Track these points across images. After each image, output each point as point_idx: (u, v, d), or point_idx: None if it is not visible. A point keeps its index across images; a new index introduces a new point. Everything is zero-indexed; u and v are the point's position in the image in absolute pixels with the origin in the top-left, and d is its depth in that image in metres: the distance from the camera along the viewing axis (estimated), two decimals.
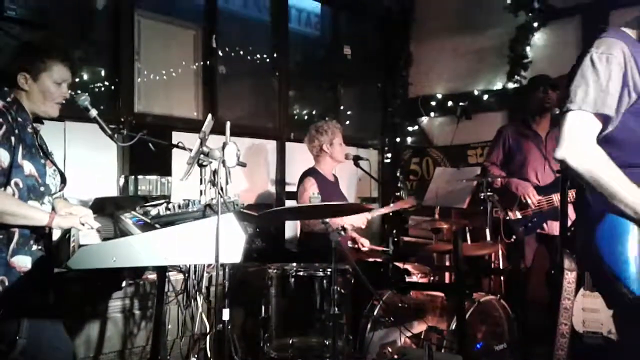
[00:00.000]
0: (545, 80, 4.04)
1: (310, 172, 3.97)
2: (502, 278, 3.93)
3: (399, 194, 5.69)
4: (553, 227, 3.90)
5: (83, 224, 2.15)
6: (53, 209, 2.30)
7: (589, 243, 1.69)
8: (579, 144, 1.68)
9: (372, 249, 4.01)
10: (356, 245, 3.99)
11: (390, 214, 4.25)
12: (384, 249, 3.67)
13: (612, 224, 1.66)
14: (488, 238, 3.75)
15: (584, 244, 1.79)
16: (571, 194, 3.46)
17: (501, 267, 3.84)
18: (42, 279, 2.21)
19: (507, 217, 3.85)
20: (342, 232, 3.76)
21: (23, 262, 2.12)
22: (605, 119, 1.71)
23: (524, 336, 3.26)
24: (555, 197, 3.83)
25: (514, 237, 3.84)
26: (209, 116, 2.38)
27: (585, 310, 3.12)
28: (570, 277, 3.15)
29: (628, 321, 1.75)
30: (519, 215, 3.89)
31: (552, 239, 3.91)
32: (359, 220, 3.84)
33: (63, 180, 2.38)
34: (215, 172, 2.18)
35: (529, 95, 4.08)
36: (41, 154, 2.25)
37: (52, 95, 2.28)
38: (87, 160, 3.70)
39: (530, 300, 3.96)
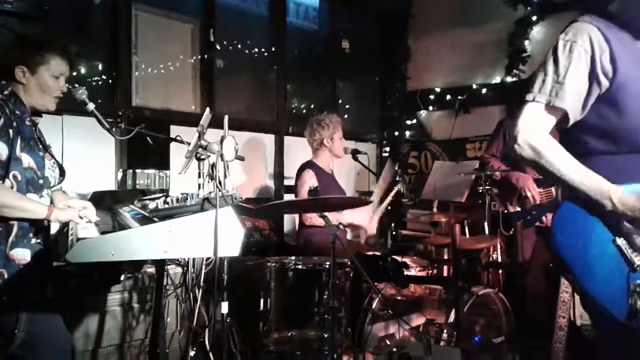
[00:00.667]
0: None
1: (309, 165, 3.96)
2: (500, 271, 3.94)
3: (396, 187, 5.71)
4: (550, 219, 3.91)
5: (82, 217, 2.15)
6: (52, 201, 2.29)
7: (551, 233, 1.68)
8: (528, 135, 1.66)
9: (371, 236, 3.98)
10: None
11: (389, 207, 4.25)
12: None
13: (565, 212, 1.67)
14: (486, 231, 3.76)
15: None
16: None
17: (499, 260, 3.85)
18: (40, 272, 2.21)
19: (506, 210, 3.86)
20: (341, 226, 3.77)
21: (22, 255, 2.12)
22: (560, 112, 1.68)
23: (522, 329, 3.26)
24: (555, 190, 3.83)
25: (512, 229, 3.85)
26: (207, 110, 2.38)
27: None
28: None
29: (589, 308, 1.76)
30: (518, 207, 3.90)
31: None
32: (362, 220, 3.84)
33: (62, 173, 2.38)
34: (213, 166, 2.18)
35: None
36: (40, 146, 2.25)
37: (50, 89, 2.27)
38: (85, 154, 3.70)
39: (529, 293, 3.97)
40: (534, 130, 1.67)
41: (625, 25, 1.68)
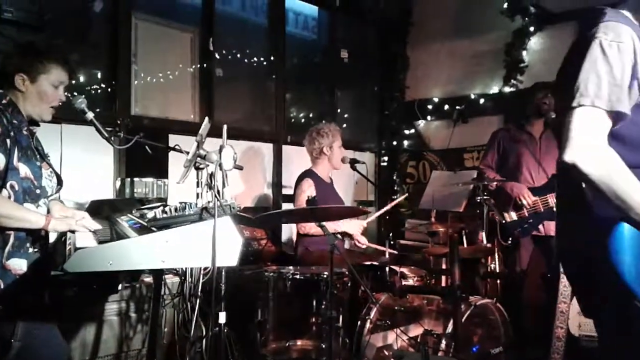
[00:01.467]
0: (546, 85, 4.08)
1: (308, 174, 3.97)
2: (498, 281, 3.94)
3: (395, 197, 5.71)
4: (549, 228, 3.93)
5: (79, 227, 2.15)
6: (49, 211, 2.29)
7: (596, 256, 1.50)
8: (592, 145, 1.44)
9: (369, 247, 4.00)
10: (354, 242, 3.97)
11: (387, 216, 4.26)
12: (384, 249, 3.65)
13: (629, 236, 1.45)
14: (484, 241, 3.76)
15: (585, 255, 1.61)
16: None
17: (497, 270, 3.85)
18: (37, 282, 2.20)
19: (504, 220, 3.86)
20: (339, 236, 3.77)
21: (18, 265, 2.11)
22: (617, 117, 1.48)
23: (520, 340, 3.26)
24: (551, 198, 3.86)
25: (510, 239, 3.85)
26: (206, 119, 2.38)
27: (582, 314, 3.13)
28: (566, 280, 3.16)
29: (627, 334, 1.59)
30: (514, 217, 3.92)
31: (548, 240, 3.95)
32: (355, 228, 3.84)
33: (59, 182, 2.37)
34: (212, 175, 2.18)
35: (528, 99, 4.13)
36: (37, 156, 2.24)
37: (49, 98, 2.27)
38: (84, 163, 3.70)
39: (526, 303, 3.97)
40: (597, 139, 1.45)
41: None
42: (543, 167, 4.01)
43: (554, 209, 3.78)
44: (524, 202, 3.89)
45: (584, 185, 1.54)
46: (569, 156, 1.45)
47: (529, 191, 3.92)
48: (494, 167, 4.15)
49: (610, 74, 1.47)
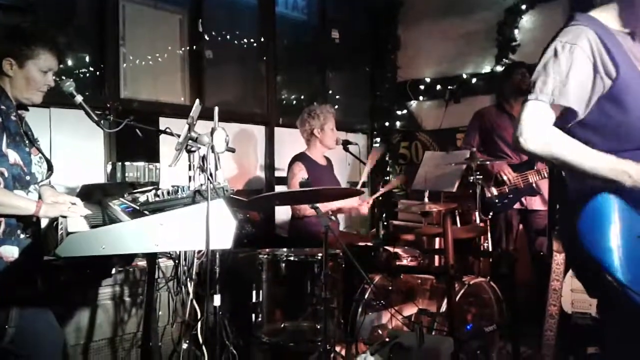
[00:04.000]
0: (521, 64, 4.16)
1: (299, 157, 3.95)
2: (491, 260, 3.97)
3: (387, 178, 5.71)
4: (532, 202, 4.09)
5: (71, 212, 2.13)
6: (40, 197, 2.26)
7: (571, 230, 1.66)
8: (533, 129, 1.66)
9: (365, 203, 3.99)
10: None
11: (380, 197, 4.27)
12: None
13: (593, 211, 1.63)
14: (477, 221, 3.78)
15: (566, 230, 1.77)
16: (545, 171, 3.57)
17: (490, 249, 3.88)
18: (30, 268, 2.19)
19: (487, 195, 3.96)
20: (333, 217, 3.77)
21: (10, 252, 2.10)
22: (564, 110, 1.69)
23: (513, 317, 3.29)
24: (530, 175, 3.99)
25: (491, 214, 3.94)
26: (197, 101, 2.35)
27: (574, 291, 3.16)
28: (559, 258, 3.19)
29: (612, 309, 1.73)
30: (495, 192, 4.00)
31: (532, 213, 4.09)
32: (352, 204, 3.86)
33: (50, 168, 2.35)
34: (204, 158, 2.16)
35: (506, 80, 4.18)
36: (26, 141, 2.22)
37: (37, 84, 2.23)
38: (73, 147, 3.66)
39: (518, 281, 4.02)
40: (540, 123, 1.67)
41: (616, 24, 1.73)
42: None
43: (534, 185, 3.92)
44: (505, 178, 3.99)
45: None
46: (516, 140, 1.68)
47: (509, 168, 4.02)
48: (476, 147, 4.21)
49: (557, 72, 1.67)
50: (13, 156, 2.11)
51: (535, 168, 3.97)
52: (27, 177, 2.17)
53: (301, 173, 3.78)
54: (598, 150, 1.65)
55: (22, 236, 2.15)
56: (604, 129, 1.69)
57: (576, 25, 1.70)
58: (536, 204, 4.06)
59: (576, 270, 1.85)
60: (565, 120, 1.71)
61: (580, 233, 1.62)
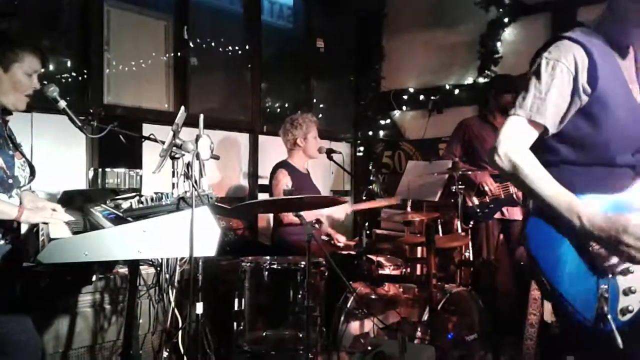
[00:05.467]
0: (514, 84, 4.18)
1: (283, 165, 3.95)
2: (472, 269, 4.01)
3: (371, 187, 5.74)
4: (513, 213, 4.13)
5: (53, 218, 2.11)
6: (21, 201, 2.24)
7: (523, 237, 1.71)
8: (508, 148, 1.68)
9: (347, 244, 4.04)
10: (332, 241, 4.02)
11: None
12: (357, 243, 3.69)
13: (538, 222, 1.68)
14: (459, 230, 3.81)
15: (521, 236, 1.82)
16: None
17: (472, 258, 3.91)
18: (9, 274, 2.16)
19: (469, 205, 4.00)
20: (316, 225, 3.77)
21: None
22: (541, 127, 1.71)
23: (494, 326, 3.32)
24: (511, 186, 4.02)
25: (471, 223, 3.97)
26: (182, 108, 2.35)
27: None
28: None
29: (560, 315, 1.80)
30: (476, 201, 4.04)
31: (513, 223, 4.13)
32: (339, 211, 3.87)
33: (32, 172, 2.33)
34: (188, 165, 2.16)
35: (494, 94, 4.21)
36: (10, 145, 2.20)
37: (23, 87, 2.22)
38: (55, 153, 3.63)
39: (499, 290, 4.05)
40: (515, 144, 1.69)
41: (607, 41, 1.74)
42: None
43: (514, 196, 3.97)
44: (487, 188, 4.03)
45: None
46: (489, 156, 1.72)
47: (491, 179, 4.07)
48: (459, 156, 4.25)
49: (537, 89, 1.69)
50: None
51: None
52: (10, 181, 2.15)
53: (285, 179, 3.78)
54: (565, 163, 1.71)
55: (1, 242, 2.12)
56: (572, 140, 1.73)
57: (566, 40, 1.71)
58: (517, 214, 4.10)
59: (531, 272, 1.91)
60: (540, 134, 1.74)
61: (528, 235, 1.69)
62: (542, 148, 1.74)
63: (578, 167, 1.73)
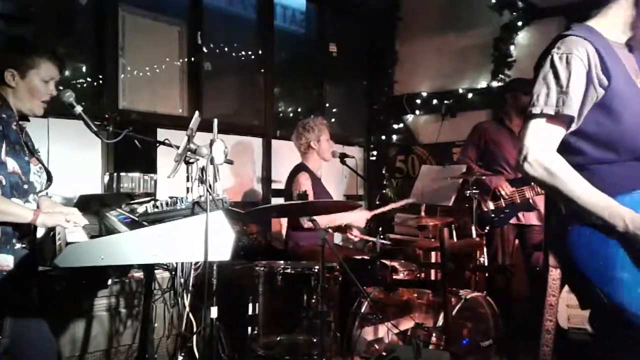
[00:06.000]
0: (523, 81, 4.14)
1: (303, 167, 3.93)
2: (487, 274, 3.98)
3: (384, 191, 5.73)
4: (529, 218, 4.08)
5: (69, 222, 2.12)
6: (38, 207, 2.26)
7: (563, 247, 1.65)
8: (538, 153, 1.64)
9: (362, 238, 4.01)
10: (346, 235, 3.99)
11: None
12: (379, 240, 3.65)
13: (583, 231, 1.62)
14: (474, 235, 3.78)
15: (558, 246, 1.75)
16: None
17: (487, 263, 3.88)
18: (25, 278, 2.18)
19: (484, 210, 3.97)
20: (330, 230, 3.77)
21: (5, 261, 2.08)
22: (568, 120, 1.67)
23: (509, 332, 3.29)
24: (527, 191, 3.98)
25: (487, 228, 3.94)
26: (196, 113, 2.36)
27: (570, 307, 3.16)
28: (555, 273, 3.19)
29: (603, 321, 1.73)
30: (492, 206, 4.01)
31: (529, 229, 4.08)
32: (359, 219, 3.86)
33: (49, 178, 2.35)
34: (203, 170, 2.17)
35: (510, 96, 4.18)
36: (26, 151, 2.22)
37: (40, 93, 2.25)
38: (71, 158, 3.66)
39: (514, 296, 4.02)
40: (545, 148, 1.65)
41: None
42: None
43: (530, 201, 3.93)
44: (502, 192, 4.00)
45: None
46: (518, 164, 1.67)
47: (507, 183, 4.02)
48: (474, 160, 4.22)
49: (558, 84, 1.66)
50: (12, 164, 2.11)
51: (532, 183, 3.98)
52: (25, 186, 2.17)
53: (307, 183, 3.76)
54: (594, 163, 1.65)
55: (17, 245, 2.14)
56: (596, 138, 1.68)
57: (572, 36, 1.70)
58: (533, 219, 4.06)
59: (568, 281, 1.86)
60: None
61: (572, 245, 1.62)
62: (567, 151, 1.69)
63: (613, 166, 1.67)
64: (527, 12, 5.05)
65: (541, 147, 1.65)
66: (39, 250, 2.26)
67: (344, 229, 4.03)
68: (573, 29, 1.73)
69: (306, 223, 3.76)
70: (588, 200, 1.59)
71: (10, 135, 2.14)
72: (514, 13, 5.09)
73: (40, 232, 2.25)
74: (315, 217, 2.87)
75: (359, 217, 3.86)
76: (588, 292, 1.62)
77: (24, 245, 2.17)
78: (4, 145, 2.08)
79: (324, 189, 4.05)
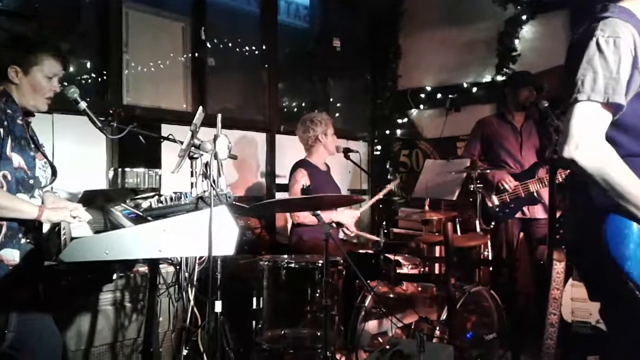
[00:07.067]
0: (532, 79, 4.14)
1: (301, 164, 3.96)
2: (491, 268, 3.99)
3: (387, 187, 5.73)
4: (534, 211, 4.07)
5: (74, 217, 2.14)
6: (43, 202, 2.27)
7: (594, 240, 1.58)
8: (589, 141, 1.51)
9: (358, 235, 4.02)
10: (342, 229, 3.99)
11: (380, 205, 4.28)
12: (375, 238, 3.67)
13: (620, 223, 1.55)
14: (478, 229, 3.79)
15: (584, 239, 1.70)
16: (562, 176, 3.57)
17: (490, 257, 3.89)
18: (31, 273, 2.19)
19: (489, 204, 3.97)
20: (334, 224, 3.78)
21: (11, 256, 2.10)
22: (615, 108, 1.56)
23: (513, 326, 3.29)
24: (531, 184, 3.98)
25: (492, 223, 3.94)
26: (200, 108, 2.37)
27: (574, 300, 3.16)
28: (559, 267, 3.19)
29: (629, 317, 1.66)
30: (496, 201, 4.01)
31: (534, 222, 4.08)
32: (347, 219, 3.85)
33: (54, 173, 2.36)
34: (207, 165, 2.18)
35: (510, 90, 4.18)
36: (31, 146, 2.23)
37: (43, 90, 2.26)
38: (76, 153, 3.68)
39: (518, 289, 4.03)
40: (595, 137, 1.53)
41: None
42: (523, 156, 4.11)
43: (535, 194, 3.92)
44: (505, 186, 3.99)
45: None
46: (567, 152, 1.52)
47: (510, 177, 4.02)
48: (477, 155, 4.22)
49: (607, 69, 1.54)
50: (17, 160, 2.13)
51: (537, 177, 3.98)
52: (31, 181, 2.18)
53: (303, 179, 3.79)
54: (633, 156, 1.57)
55: (23, 240, 2.16)
56: (634, 129, 1.60)
57: (614, 18, 1.58)
58: (538, 212, 4.06)
59: (584, 272, 1.82)
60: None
61: (606, 235, 1.55)
62: None
63: (629, 158, 1.57)
64: (531, 6, 5.03)
65: (591, 135, 1.53)
66: (44, 246, 2.27)
67: (339, 224, 4.04)
68: (611, 10, 1.61)
69: (296, 219, 3.78)
70: (635, 191, 1.51)
71: (16, 131, 2.15)
72: (519, 7, 5.07)
73: (45, 228, 2.27)
74: (319, 212, 2.88)
75: (346, 216, 3.86)
76: (619, 286, 1.56)
77: (29, 241, 2.19)
78: (9, 141, 2.10)
79: (331, 181, 4.06)
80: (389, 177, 5.98)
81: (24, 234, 2.16)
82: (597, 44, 1.57)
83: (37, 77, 2.23)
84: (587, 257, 1.72)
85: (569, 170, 1.89)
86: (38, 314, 2.23)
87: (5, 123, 2.10)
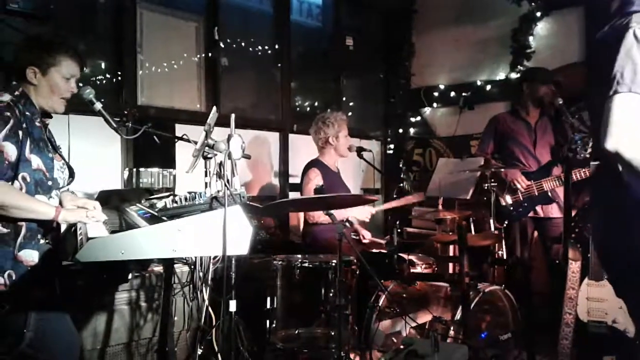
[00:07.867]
0: (549, 75, 4.09)
1: (314, 163, 3.97)
2: (505, 267, 3.96)
3: (401, 185, 5.70)
4: (548, 211, 4.04)
5: (90, 218, 2.16)
6: (60, 203, 2.30)
7: (626, 237, 1.56)
8: (632, 132, 1.49)
9: (373, 241, 4.03)
10: (357, 237, 4.02)
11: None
12: (386, 240, 3.67)
13: None
14: (492, 228, 3.76)
15: (613, 235, 1.68)
16: (577, 175, 3.54)
17: (505, 257, 3.86)
18: (49, 273, 2.22)
19: (502, 203, 3.94)
20: (347, 224, 3.77)
21: (30, 256, 2.13)
22: None
23: (528, 325, 3.27)
24: (545, 183, 3.96)
25: (506, 222, 3.92)
26: (214, 108, 2.38)
27: (590, 300, 3.14)
28: (574, 266, 3.17)
29: None
30: (509, 200, 3.98)
31: (548, 221, 4.06)
32: (363, 213, 3.85)
33: (71, 174, 2.39)
34: (221, 165, 2.19)
35: (528, 85, 4.13)
36: (49, 147, 2.26)
37: (60, 90, 2.28)
38: (91, 154, 3.71)
39: (533, 288, 4.00)
40: (636, 127, 1.50)
41: None
42: (538, 153, 4.08)
43: (549, 193, 3.88)
44: (518, 186, 3.96)
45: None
46: (610, 144, 1.50)
47: (523, 176, 3.99)
48: (491, 153, 4.19)
49: None
50: (36, 161, 2.15)
51: (551, 175, 3.94)
52: (49, 183, 2.21)
53: (317, 179, 3.79)
54: None
55: (42, 241, 2.18)
56: None
57: None
58: (553, 211, 4.02)
59: (614, 271, 1.79)
60: None
61: None
62: None
63: None
64: (546, 3, 4.98)
65: (632, 125, 1.50)
66: (61, 246, 2.29)
67: (356, 232, 4.05)
68: (637, 4, 1.60)
69: (311, 218, 3.79)
70: None
71: (34, 133, 2.17)
72: (533, 3, 5.03)
73: (64, 228, 2.29)
74: (332, 211, 2.88)
75: (362, 211, 3.86)
76: None
77: (47, 241, 2.21)
78: (28, 143, 2.12)
79: (341, 182, 4.06)
80: (402, 175, 5.96)
81: (42, 235, 2.18)
82: (635, 35, 1.55)
83: (55, 78, 2.26)
84: (618, 257, 1.70)
85: (587, 169, 1.87)
86: (56, 314, 2.25)
87: (24, 125, 2.13)
